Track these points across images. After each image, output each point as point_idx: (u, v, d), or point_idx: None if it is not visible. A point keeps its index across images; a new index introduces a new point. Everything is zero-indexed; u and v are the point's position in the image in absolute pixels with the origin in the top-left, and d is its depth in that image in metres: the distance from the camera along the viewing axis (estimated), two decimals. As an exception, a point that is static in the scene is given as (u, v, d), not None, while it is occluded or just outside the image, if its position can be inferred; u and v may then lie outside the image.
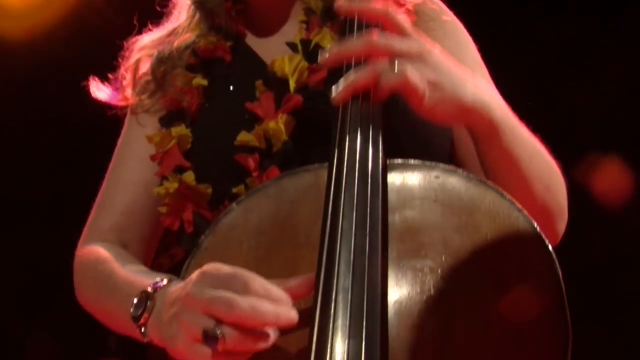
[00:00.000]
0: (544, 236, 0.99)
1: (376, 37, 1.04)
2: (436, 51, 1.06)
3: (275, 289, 0.91)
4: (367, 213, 0.96)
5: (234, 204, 1.08)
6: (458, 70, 1.08)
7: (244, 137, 1.25)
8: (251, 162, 1.23)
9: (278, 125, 1.23)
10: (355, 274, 0.90)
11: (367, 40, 1.04)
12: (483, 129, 1.10)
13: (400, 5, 1.34)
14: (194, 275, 0.94)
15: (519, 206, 1.01)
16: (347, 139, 1.03)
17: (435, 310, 0.94)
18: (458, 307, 0.95)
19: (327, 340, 0.86)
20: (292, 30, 1.38)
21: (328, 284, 0.91)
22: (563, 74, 3.36)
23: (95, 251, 1.31)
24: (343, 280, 0.90)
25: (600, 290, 3.37)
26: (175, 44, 1.40)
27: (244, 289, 0.89)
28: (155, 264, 1.47)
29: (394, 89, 1.02)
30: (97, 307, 1.28)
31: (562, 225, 1.26)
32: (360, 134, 1.03)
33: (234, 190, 1.23)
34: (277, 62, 1.29)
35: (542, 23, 3.36)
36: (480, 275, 0.97)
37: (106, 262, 1.26)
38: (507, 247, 0.99)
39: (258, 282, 0.91)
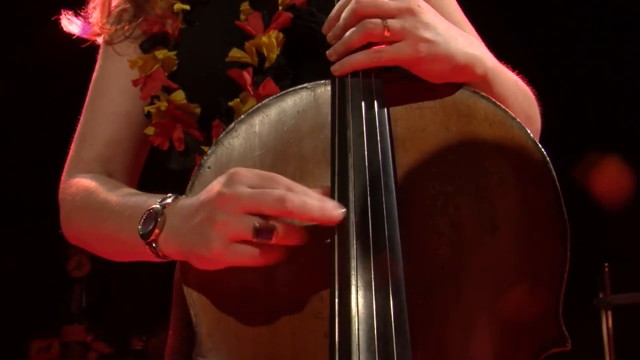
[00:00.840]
0: (536, 140, 1.07)
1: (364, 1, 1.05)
2: (424, 6, 1.08)
3: (312, 191, 0.96)
4: (374, 121, 1.00)
5: (234, 123, 1.09)
6: (448, 25, 1.11)
7: (235, 53, 1.25)
8: (246, 76, 1.23)
9: (271, 39, 1.24)
10: (371, 179, 0.95)
11: (354, 7, 1.05)
12: (475, 81, 1.13)
13: None
14: (221, 178, 0.97)
15: (512, 114, 1.07)
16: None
17: (443, 213, 1.00)
18: (464, 210, 1.01)
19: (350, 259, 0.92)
20: None
21: (344, 195, 0.96)
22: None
23: (83, 182, 1.30)
24: (358, 187, 0.95)
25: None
26: None
27: (288, 187, 0.94)
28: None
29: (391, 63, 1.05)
30: (92, 235, 1.27)
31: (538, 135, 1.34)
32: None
33: (230, 104, 1.24)
34: None
35: (542, 22, 3.39)
36: (483, 177, 1.03)
37: (97, 190, 1.25)
38: (505, 151, 1.05)
39: (297, 183, 0.96)
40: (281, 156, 1.06)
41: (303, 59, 1.24)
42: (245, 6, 1.29)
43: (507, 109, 1.08)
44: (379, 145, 0.98)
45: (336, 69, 1.07)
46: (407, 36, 1.04)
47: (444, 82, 1.08)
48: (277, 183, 0.95)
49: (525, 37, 3.48)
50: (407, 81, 1.09)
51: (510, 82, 1.23)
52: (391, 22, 1.04)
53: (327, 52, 1.09)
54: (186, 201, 1.03)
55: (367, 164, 0.97)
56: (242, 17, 1.29)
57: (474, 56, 1.11)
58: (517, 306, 0.98)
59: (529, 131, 1.06)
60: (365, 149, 0.98)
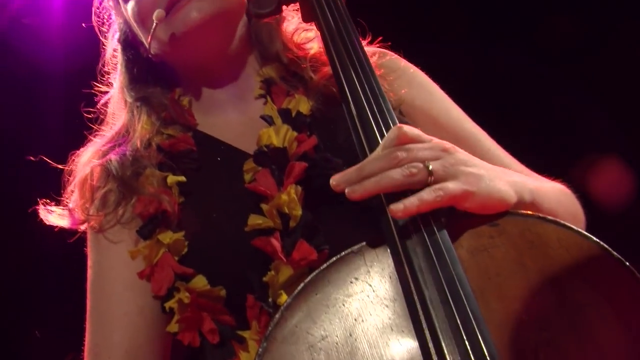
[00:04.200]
0: (608, 248, 0.95)
1: (399, 151, 0.95)
2: (455, 147, 1.00)
3: None
4: (454, 283, 0.88)
5: (281, 311, 0.95)
6: (480, 160, 1.03)
7: (255, 220, 1.13)
8: (274, 243, 1.11)
9: (291, 197, 1.12)
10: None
11: (391, 158, 0.94)
12: (527, 207, 1.04)
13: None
14: None
15: (579, 229, 0.97)
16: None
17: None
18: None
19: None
20: (248, 108, 1.30)
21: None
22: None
23: None
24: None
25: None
26: (137, 143, 1.26)
27: None
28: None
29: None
30: None
31: None
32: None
33: (265, 279, 1.10)
34: (264, 135, 1.20)
35: (542, 22, 3.38)
36: (578, 312, 0.90)
37: None
38: (591, 275, 0.94)
39: None
40: (344, 344, 0.91)
41: (328, 209, 1.13)
42: (249, 164, 1.19)
43: (572, 226, 0.98)
44: (468, 309, 0.86)
45: (399, 209, 0.92)
46: (453, 175, 0.95)
47: (500, 216, 0.97)
48: None
49: (525, 37, 3.47)
50: (462, 220, 0.98)
51: (552, 193, 1.17)
52: (433, 164, 0.95)
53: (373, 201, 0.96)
54: None
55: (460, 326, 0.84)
56: (248, 176, 1.18)
57: (516, 183, 1.04)
58: None
59: (602, 243, 0.95)
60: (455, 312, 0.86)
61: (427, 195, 0.93)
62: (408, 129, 0.97)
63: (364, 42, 1.41)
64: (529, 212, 0.98)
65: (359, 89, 1.05)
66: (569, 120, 3.38)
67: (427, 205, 0.92)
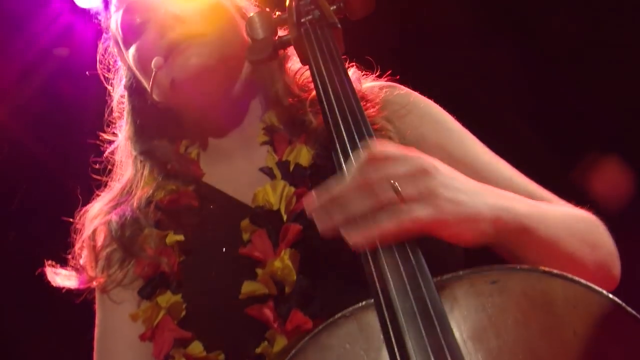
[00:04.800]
0: (629, 309, 0.87)
1: (370, 171, 0.87)
2: (440, 165, 0.93)
3: None
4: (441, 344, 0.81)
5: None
6: (467, 180, 0.95)
7: (249, 287, 1.09)
8: (267, 313, 1.07)
9: (285, 263, 1.07)
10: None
11: (362, 179, 0.87)
12: (514, 233, 0.97)
13: (368, 100, 1.24)
14: None
15: (593, 285, 0.89)
16: (387, 269, 0.87)
17: None
18: None
19: None
20: (254, 155, 1.25)
21: None
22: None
23: None
24: None
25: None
26: (135, 202, 1.25)
27: None
28: None
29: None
30: None
31: (617, 268, 1.17)
32: (400, 259, 0.87)
33: (258, 350, 1.06)
34: (260, 194, 1.16)
35: (542, 22, 3.32)
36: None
37: None
38: (603, 335, 0.86)
39: None
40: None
41: (325, 273, 1.08)
42: (245, 223, 1.15)
43: (580, 280, 0.89)
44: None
45: (356, 239, 0.85)
46: (427, 199, 0.86)
47: (500, 271, 0.90)
48: None
49: (526, 36, 3.39)
50: (456, 280, 0.91)
51: (558, 219, 1.07)
52: (404, 186, 0.85)
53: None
54: None
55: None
56: (246, 235, 1.14)
57: (501, 207, 0.94)
58: None
59: (614, 298, 0.87)
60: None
61: (388, 221, 0.84)
62: (383, 146, 0.89)
63: (372, 76, 1.37)
64: (532, 267, 0.90)
65: (345, 138, 0.99)
66: (569, 120, 3.29)
67: (389, 234, 0.84)
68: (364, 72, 1.37)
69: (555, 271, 0.90)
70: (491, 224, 0.92)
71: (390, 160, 0.88)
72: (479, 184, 0.98)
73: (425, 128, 1.25)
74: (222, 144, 1.30)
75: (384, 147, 0.90)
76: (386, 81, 1.35)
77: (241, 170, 1.26)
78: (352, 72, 1.34)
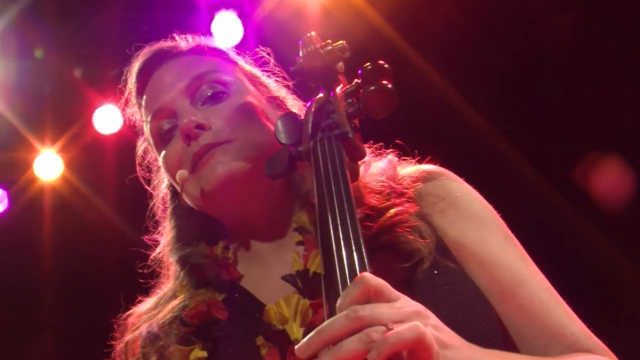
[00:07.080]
0: None
1: (361, 310, 0.85)
2: (429, 312, 0.92)
3: None
4: None
5: None
6: (452, 334, 0.94)
7: None
8: None
9: None
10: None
11: (352, 318, 0.85)
12: None
13: (400, 194, 1.19)
14: None
15: None
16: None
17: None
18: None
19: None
20: (286, 257, 1.25)
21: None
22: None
23: None
24: None
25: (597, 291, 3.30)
26: (161, 316, 1.26)
27: None
28: None
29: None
30: None
31: None
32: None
33: None
34: (272, 310, 1.17)
35: (543, 21, 3.33)
36: None
37: None
38: None
39: None
40: None
41: None
42: (260, 340, 1.16)
43: None
44: None
45: None
46: (415, 320, 0.86)
47: None
48: None
49: (526, 35, 3.40)
50: None
51: None
52: (398, 327, 0.84)
53: None
54: None
55: None
56: (264, 351, 1.15)
57: None
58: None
59: None
60: None
61: (356, 344, 0.82)
62: (371, 278, 0.87)
63: (412, 161, 1.30)
64: None
65: (337, 272, 0.95)
66: (569, 120, 3.29)
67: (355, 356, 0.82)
68: (401, 158, 1.31)
69: None
70: None
71: (380, 296, 0.87)
72: (474, 346, 0.98)
73: (463, 226, 1.20)
74: (258, 246, 1.30)
75: (375, 281, 0.88)
76: (426, 163, 1.29)
77: (275, 273, 1.25)
78: (389, 159, 1.29)
